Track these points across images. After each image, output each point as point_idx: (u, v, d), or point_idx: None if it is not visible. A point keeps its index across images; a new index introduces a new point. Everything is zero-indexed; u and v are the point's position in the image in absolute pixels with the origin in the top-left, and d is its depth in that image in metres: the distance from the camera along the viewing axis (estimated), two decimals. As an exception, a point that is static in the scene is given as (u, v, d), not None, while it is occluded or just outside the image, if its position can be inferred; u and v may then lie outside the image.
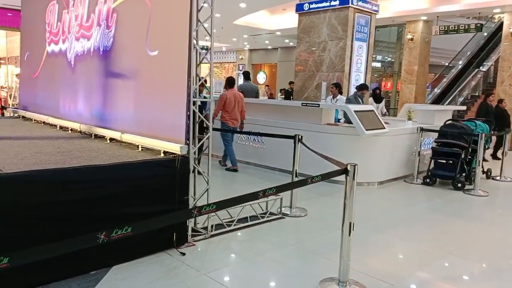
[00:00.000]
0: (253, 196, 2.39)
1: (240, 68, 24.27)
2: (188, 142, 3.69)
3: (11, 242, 2.60)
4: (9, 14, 13.22)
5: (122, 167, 3.38)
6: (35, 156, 3.47)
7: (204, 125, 4.26)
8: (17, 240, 2.65)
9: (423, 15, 13.78)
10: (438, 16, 13.61)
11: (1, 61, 15.01)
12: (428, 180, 6.71)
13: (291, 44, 19.72)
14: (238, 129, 6.88)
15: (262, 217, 4.51)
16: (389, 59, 20.00)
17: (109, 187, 3.18)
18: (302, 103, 6.80)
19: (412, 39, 14.49)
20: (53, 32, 6.14)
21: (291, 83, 12.40)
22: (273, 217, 4.59)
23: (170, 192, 3.57)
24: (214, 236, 3.92)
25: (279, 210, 4.76)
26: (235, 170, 7.01)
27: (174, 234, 3.58)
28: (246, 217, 4.37)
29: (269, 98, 14.76)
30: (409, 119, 7.59)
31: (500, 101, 9.81)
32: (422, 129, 6.91)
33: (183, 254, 3.47)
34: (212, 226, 3.97)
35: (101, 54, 4.91)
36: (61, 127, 5.51)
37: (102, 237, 1.72)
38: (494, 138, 9.19)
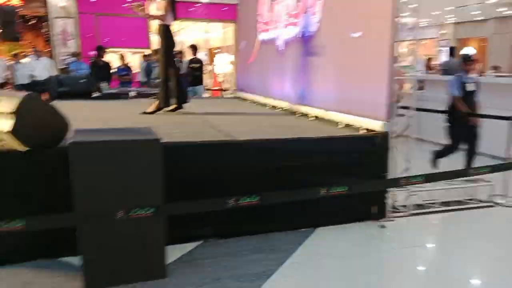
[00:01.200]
0: (465, 172, 2.34)
1: (442, 45, 22.11)
2: (388, 120, 3.77)
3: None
4: (225, 8, 15.36)
5: (328, 141, 3.72)
6: (258, 129, 4.13)
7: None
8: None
9: None
10: None
11: (218, 50, 17.47)
12: None
13: (509, 13, 16.87)
14: None
15: (468, 203, 4.22)
16: None
17: (316, 158, 3.56)
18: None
19: None
20: (264, 22, 6.94)
21: None
22: (481, 205, 4.24)
23: (369, 168, 3.73)
24: (414, 215, 3.91)
25: (490, 197, 4.35)
26: None
27: (374, 207, 3.74)
28: (449, 201, 4.18)
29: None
30: None
31: None
32: None
33: (383, 226, 3.62)
34: (412, 205, 3.96)
35: (306, 39, 5.36)
36: (271, 106, 6.27)
37: (324, 192, 2.03)
38: None
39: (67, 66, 10.31)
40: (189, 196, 3.05)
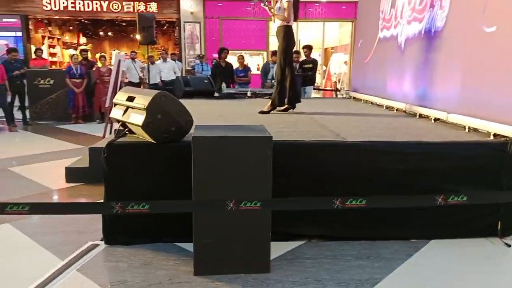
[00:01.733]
0: None
1: None
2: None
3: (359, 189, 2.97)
4: (343, 7, 15.05)
5: (448, 146, 3.42)
6: (369, 130, 4.00)
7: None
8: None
9: None
10: None
11: (333, 50, 17.21)
12: None
13: None
14: None
15: None
16: None
17: (434, 163, 3.28)
18: None
19: None
20: (386, 19, 6.63)
21: None
22: None
23: (495, 177, 3.32)
24: (550, 236, 3.38)
25: None
26: None
27: (499, 222, 3.33)
28: None
29: None
30: None
31: None
32: None
33: (509, 245, 3.19)
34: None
35: (431, 35, 4.98)
36: (387, 107, 5.98)
37: (440, 199, 1.87)
38: None
39: (192, 68, 11.27)
40: (294, 194, 3.10)
